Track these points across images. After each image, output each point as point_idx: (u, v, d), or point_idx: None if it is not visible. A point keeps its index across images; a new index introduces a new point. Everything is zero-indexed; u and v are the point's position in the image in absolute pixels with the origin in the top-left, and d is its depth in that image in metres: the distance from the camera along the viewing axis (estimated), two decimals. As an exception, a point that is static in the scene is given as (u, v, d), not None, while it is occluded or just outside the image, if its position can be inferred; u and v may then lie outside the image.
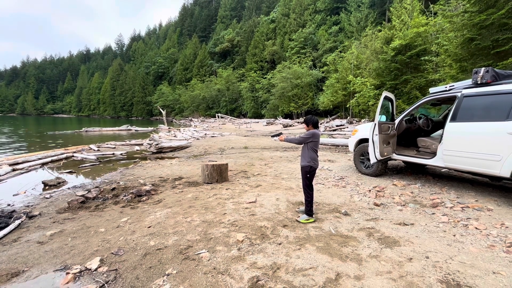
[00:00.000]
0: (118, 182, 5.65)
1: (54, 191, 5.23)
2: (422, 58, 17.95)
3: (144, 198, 4.49)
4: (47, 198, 4.78)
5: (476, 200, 3.92)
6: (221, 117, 44.38)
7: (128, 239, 2.99)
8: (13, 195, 5.05)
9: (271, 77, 39.20)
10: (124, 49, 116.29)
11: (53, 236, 3.19)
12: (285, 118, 35.86)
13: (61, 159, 8.76)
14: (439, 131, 4.76)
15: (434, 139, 4.95)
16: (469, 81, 4.17)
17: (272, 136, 3.74)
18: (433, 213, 3.58)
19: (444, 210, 3.66)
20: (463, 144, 3.97)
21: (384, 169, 5.46)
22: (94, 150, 10.66)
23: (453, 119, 4.10)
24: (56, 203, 4.45)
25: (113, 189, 5.01)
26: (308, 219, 3.40)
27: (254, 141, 13.95)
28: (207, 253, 2.64)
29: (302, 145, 3.48)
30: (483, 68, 3.89)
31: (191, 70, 67.88)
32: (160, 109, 35.11)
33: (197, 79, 62.08)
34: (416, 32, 17.87)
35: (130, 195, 4.57)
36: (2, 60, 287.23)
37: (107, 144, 12.18)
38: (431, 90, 4.80)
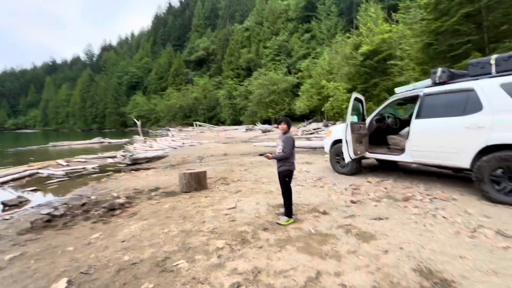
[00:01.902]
0: (89, 197, 5.31)
1: (15, 212, 4.80)
2: (388, 62, 19.09)
3: (117, 212, 4.25)
4: (6, 219, 4.37)
5: (443, 191, 4.18)
6: (200, 126, 43.78)
7: (99, 256, 2.80)
8: (-33, 219, 4.55)
9: (248, 84, 39.62)
10: (94, 59, 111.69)
11: (13, 260, 2.90)
12: (264, 123, 36.19)
13: (23, 177, 8.09)
14: (407, 129, 5.05)
15: (402, 136, 5.25)
16: (429, 81, 4.49)
17: (260, 155, 3.74)
18: (405, 206, 3.75)
19: (415, 202, 3.86)
20: (427, 140, 4.24)
21: (359, 168, 5.67)
22: (62, 165, 9.98)
23: (418, 116, 4.37)
24: (17, 224, 4.08)
25: (83, 204, 4.70)
26: (289, 221, 3.41)
27: (234, 147, 13.89)
28: (185, 263, 2.54)
29: (279, 150, 3.45)
30: (439, 69, 4.21)
31: (166, 79, 66.66)
32: (135, 120, 33.92)
33: (172, 88, 61.02)
34: (382, 39, 19.02)
35: (102, 209, 4.31)
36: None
37: (77, 158, 11.47)
38: (397, 90, 5.11)
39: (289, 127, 3.49)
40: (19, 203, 5.31)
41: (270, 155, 3.52)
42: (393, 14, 24.38)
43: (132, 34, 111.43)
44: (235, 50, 51.97)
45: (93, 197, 5.27)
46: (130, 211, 4.32)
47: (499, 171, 3.50)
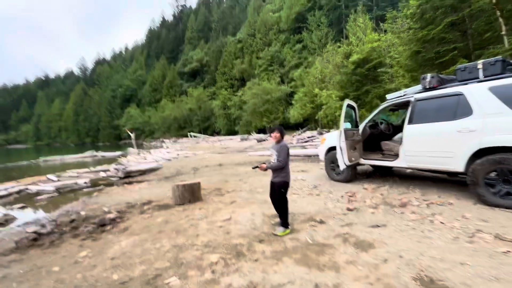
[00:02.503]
0: (79, 213, 5.13)
1: (0, 231, 4.59)
2: (379, 70, 19.50)
3: (108, 228, 4.10)
4: (-10, 239, 4.17)
5: (439, 196, 4.15)
6: (194, 136, 43.64)
7: (86, 276, 2.66)
8: None
9: (242, 94, 39.89)
10: (87, 73, 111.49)
11: (-5, 283, 2.73)
12: (259, 133, 36.26)
13: (11, 194, 7.83)
14: (400, 134, 5.07)
15: (396, 142, 5.26)
16: (419, 87, 4.54)
17: (253, 168, 3.52)
18: (402, 212, 3.71)
19: (412, 208, 3.82)
20: (420, 144, 4.24)
21: (354, 175, 5.64)
22: (53, 180, 9.72)
23: (410, 122, 4.39)
24: (1, 244, 3.89)
25: (72, 221, 4.53)
26: (285, 231, 3.32)
27: (229, 157, 13.79)
28: (177, 281, 2.42)
29: (274, 160, 3.35)
30: (429, 74, 4.28)
31: (161, 91, 66.75)
32: (129, 132, 33.67)
33: (167, 99, 61.04)
34: (371, 47, 19.47)
35: (92, 225, 4.15)
36: None
37: (68, 172, 11.21)
38: (388, 96, 5.15)
39: (282, 135, 3.37)
40: (5, 221, 5.09)
41: (264, 165, 3.35)
42: (381, 24, 25.17)
43: (126, 48, 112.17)
44: (229, 61, 52.59)
45: (83, 213, 5.10)
46: (121, 226, 4.18)
47: (493, 174, 3.50)
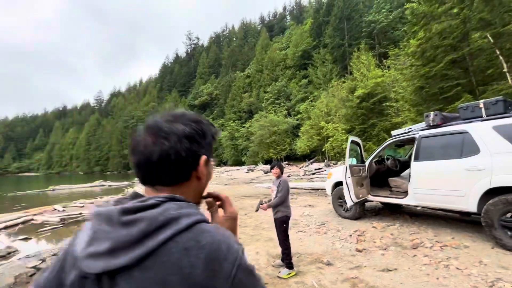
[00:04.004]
0: (81, 247, 5.05)
1: (1, 264, 4.52)
2: (384, 104, 19.86)
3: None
4: (-10, 273, 4.10)
5: (453, 238, 3.94)
6: (201, 167, 43.71)
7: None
8: (-52, 273, 4.27)
9: (250, 126, 40.71)
10: (103, 104, 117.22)
11: (-12, 323, 2.64)
12: (266, 164, 36.16)
13: (17, 224, 7.83)
14: (408, 170, 5.00)
15: (404, 179, 5.17)
16: (423, 124, 4.59)
17: (256, 211, 3.53)
18: (414, 255, 3.51)
19: (425, 250, 3.62)
20: (429, 182, 4.16)
21: (363, 211, 5.47)
22: (59, 210, 9.74)
23: (416, 159, 4.36)
24: (1, 279, 3.81)
25: (74, 255, 4.45)
26: (290, 273, 3.17)
27: (235, 189, 13.65)
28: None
29: (274, 195, 3.39)
30: (432, 112, 4.35)
31: (171, 122, 68.84)
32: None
33: (176, 130, 62.60)
34: (375, 82, 20.08)
35: (93, 261, 4.06)
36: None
37: (75, 203, 11.25)
38: (393, 133, 5.20)
39: (281, 171, 3.49)
40: (7, 254, 5.05)
41: (265, 205, 3.33)
42: (384, 60, 26.25)
43: (141, 81, 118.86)
44: (237, 94, 54.76)
45: (85, 247, 5.01)
46: (122, 262, 4.07)
47: (509, 215, 3.35)
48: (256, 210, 3.47)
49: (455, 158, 3.83)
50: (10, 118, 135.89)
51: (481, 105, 3.76)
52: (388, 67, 23.95)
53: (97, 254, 0.45)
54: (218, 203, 0.69)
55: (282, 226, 3.32)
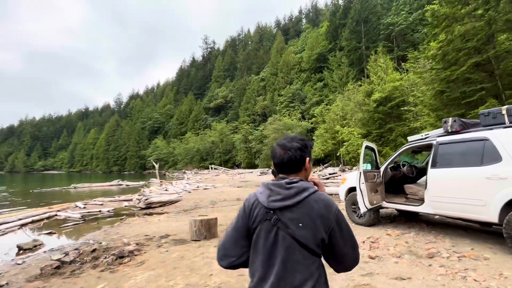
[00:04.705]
0: (100, 243, 5.30)
1: (28, 256, 4.84)
2: (402, 108, 19.29)
3: (126, 260, 4.18)
4: (19, 264, 4.40)
5: (472, 248, 3.80)
6: (215, 168, 44.34)
7: (101, 310, 2.70)
8: (-18, 262, 4.64)
9: (263, 129, 40.77)
10: (122, 106, 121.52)
11: (17, 310, 2.85)
12: (279, 167, 36.01)
13: (42, 219, 8.31)
14: (424, 177, 4.87)
15: (420, 185, 5.03)
16: (441, 130, 4.47)
17: None
18: (430, 265, 3.41)
19: (441, 260, 3.51)
20: (447, 190, 4.04)
21: (377, 218, 5.36)
22: (80, 207, 10.23)
23: (434, 166, 4.25)
24: (28, 270, 4.08)
25: (94, 250, 4.68)
26: None
27: (248, 192, 13.73)
28: (188, 324, 2.37)
29: None
30: (450, 119, 4.23)
31: (186, 124, 70.34)
32: (153, 163, 35.14)
33: (192, 132, 63.88)
34: (393, 86, 19.56)
35: (111, 256, 4.26)
36: (1, 119, 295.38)
37: (94, 200, 11.76)
38: (410, 138, 5.09)
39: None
40: (33, 247, 5.38)
41: None
42: (403, 63, 25.55)
43: (158, 84, 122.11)
44: (251, 98, 55.08)
45: (104, 243, 5.26)
46: (139, 259, 4.24)
47: (533, 227, 3.19)
48: None
49: (475, 166, 3.70)
50: (37, 119, 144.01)
51: (504, 111, 3.62)
52: (407, 70, 23.28)
53: (275, 200, 0.99)
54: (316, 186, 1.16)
55: None
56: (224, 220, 6.78)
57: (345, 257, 1.01)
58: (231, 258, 1.06)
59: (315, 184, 1.15)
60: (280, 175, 1.09)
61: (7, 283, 3.60)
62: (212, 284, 3.16)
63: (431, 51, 13.42)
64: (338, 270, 1.06)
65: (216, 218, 5.50)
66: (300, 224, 0.95)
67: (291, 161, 1.07)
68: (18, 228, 7.25)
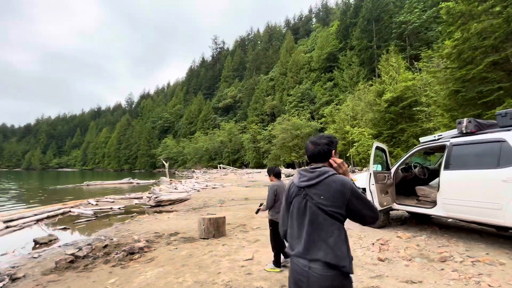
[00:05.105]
0: (112, 239, 5.44)
1: (44, 250, 5.01)
2: (414, 108, 18.85)
3: (136, 256, 4.27)
4: (35, 257, 4.57)
5: (487, 253, 3.68)
6: (223, 168, 44.59)
7: (112, 304, 2.77)
8: (1, 255, 4.84)
9: (272, 129, 40.71)
10: (133, 106, 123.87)
11: (33, 301, 2.96)
12: (287, 167, 35.93)
13: (57, 215, 8.58)
14: (437, 179, 4.75)
15: (433, 188, 4.91)
16: (455, 131, 4.34)
17: (256, 213, 3.99)
18: (442, 269, 3.33)
19: (454, 265, 3.42)
20: (460, 193, 3.92)
21: (387, 220, 5.27)
22: (92, 204, 10.52)
23: (447, 167, 4.14)
24: (44, 263, 4.23)
25: (105, 246, 4.80)
26: (274, 269, 3.42)
27: (255, 191, 13.75)
28: (196, 320, 2.40)
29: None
30: (465, 119, 4.10)
31: (196, 124, 71.08)
32: (163, 162, 35.67)
33: (201, 132, 64.51)
34: (405, 86, 19.15)
35: (122, 252, 4.36)
36: (19, 118, 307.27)
37: (106, 198, 12.05)
38: (422, 139, 4.97)
39: (275, 176, 3.74)
40: (49, 242, 5.57)
41: (262, 207, 3.78)
42: (415, 62, 24.95)
43: (168, 84, 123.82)
44: (260, 97, 55.11)
45: (115, 239, 5.39)
46: (148, 256, 4.32)
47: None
48: (256, 213, 3.91)
49: (491, 168, 3.58)
50: (52, 118, 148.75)
51: (522, 112, 3.49)
52: (420, 69, 22.74)
53: (303, 181, 1.37)
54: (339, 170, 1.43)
55: (269, 228, 3.60)
56: (232, 219, 6.82)
57: (365, 217, 1.33)
58: (285, 227, 1.47)
59: (335, 169, 1.42)
60: (312, 164, 1.44)
61: (24, 276, 3.75)
62: (220, 282, 3.19)
63: (445, 49, 13.06)
64: (364, 224, 1.43)
65: (224, 217, 5.54)
66: (322, 197, 1.29)
67: (320, 154, 1.41)
68: (34, 223, 7.51)
